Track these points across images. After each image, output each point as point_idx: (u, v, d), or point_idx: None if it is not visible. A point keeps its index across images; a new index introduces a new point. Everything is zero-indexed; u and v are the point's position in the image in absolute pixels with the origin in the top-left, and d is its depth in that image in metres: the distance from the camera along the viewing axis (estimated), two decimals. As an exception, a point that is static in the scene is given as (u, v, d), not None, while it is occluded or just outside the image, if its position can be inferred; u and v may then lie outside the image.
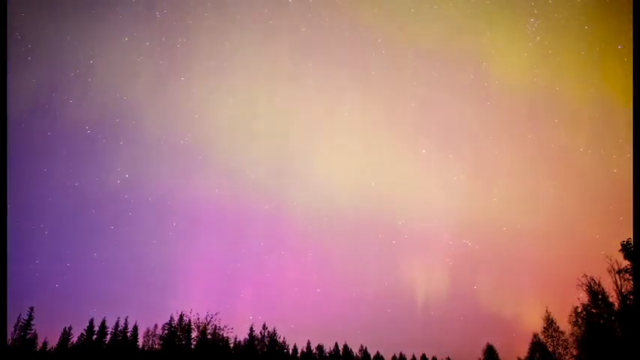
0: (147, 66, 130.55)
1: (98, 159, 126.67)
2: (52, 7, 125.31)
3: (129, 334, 59.31)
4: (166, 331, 55.93)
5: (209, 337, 53.28)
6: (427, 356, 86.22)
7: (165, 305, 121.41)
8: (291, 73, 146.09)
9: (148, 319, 73.07)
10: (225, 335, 56.07)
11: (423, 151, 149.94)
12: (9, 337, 50.19)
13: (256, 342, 65.12)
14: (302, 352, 74.92)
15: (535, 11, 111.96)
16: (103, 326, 57.61)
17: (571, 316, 40.56)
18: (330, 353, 77.45)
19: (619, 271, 34.96)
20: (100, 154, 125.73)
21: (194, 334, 53.96)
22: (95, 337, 56.91)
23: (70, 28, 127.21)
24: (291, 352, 71.07)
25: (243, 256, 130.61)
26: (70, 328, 57.60)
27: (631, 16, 24.98)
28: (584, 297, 38.87)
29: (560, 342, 46.19)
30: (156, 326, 63.63)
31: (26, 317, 53.32)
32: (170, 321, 55.16)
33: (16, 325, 52.22)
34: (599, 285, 37.82)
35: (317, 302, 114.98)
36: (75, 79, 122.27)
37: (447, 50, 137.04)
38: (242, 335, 65.90)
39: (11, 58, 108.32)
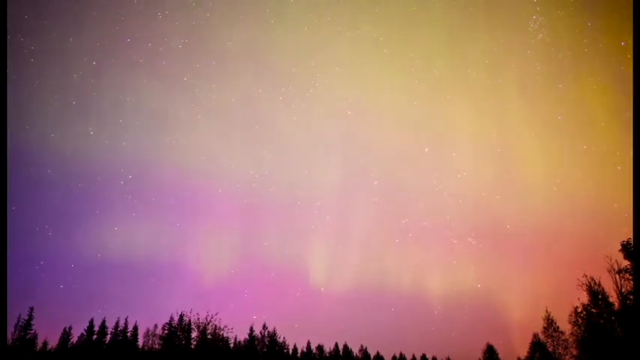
0: (149, 67, 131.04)
1: (101, 160, 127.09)
2: (54, 10, 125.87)
3: (129, 334, 59.40)
4: (166, 331, 55.99)
5: (209, 337, 53.26)
6: (427, 356, 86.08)
7: (165, 305, 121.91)
8: (292, 72, 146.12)
9: (148, 319, 73.47)
10: (225, 335, 56.13)
11: (426, 149, 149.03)
12: (9, 337, 50.46)
13: (256, 342, 65.11)
14: (302, 352, 74.91)
15: (537, 8, 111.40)
16: (103, 326, 57.70)
17: (571, 316, 40.27)
18: (330, 353, 77.40)
19: (619, 271, 34.67)
20: (103, 155, 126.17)
21: (194, 334, 53.98)
22: (95, 337, 56.99)
23: (72, 30, 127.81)
24: (291, 352, 71.05)
25: (246, 256, 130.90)
26: (70, 328, 57.78)
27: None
28: (584, 297, 38.65)
29: (560, 342, 45.81)
30: (156, 326, 63.93)
31: (26, 317, 53.61)
32: (170, 321, 55.23)
33: (16, 325, 52.49)
34: (599, 285, 37.55)
35: (319, 302, 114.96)
36: (77, 81, 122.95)
37: (448, 48, 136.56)
38: (242, 335, 66.09)
39: (14, 60, 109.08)
